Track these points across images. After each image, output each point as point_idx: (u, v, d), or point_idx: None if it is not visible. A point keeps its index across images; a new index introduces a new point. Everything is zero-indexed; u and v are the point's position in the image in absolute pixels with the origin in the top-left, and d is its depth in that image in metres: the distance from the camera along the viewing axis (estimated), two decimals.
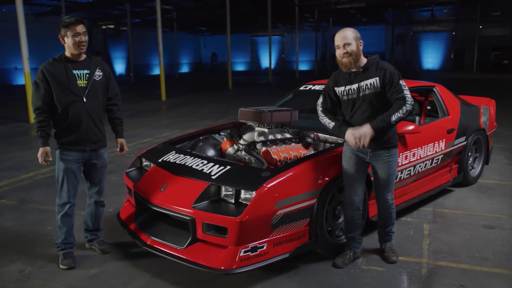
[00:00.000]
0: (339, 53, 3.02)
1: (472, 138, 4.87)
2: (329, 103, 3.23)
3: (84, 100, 3.21)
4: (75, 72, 3.20)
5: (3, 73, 24.16)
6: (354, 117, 3.10)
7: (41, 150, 3.18)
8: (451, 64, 35.24)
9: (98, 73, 3.30)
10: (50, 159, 3.22)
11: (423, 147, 4.07)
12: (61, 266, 3.26)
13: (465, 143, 4.74)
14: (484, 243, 3.61)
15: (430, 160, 4.22)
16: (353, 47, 2.98)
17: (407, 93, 2.96)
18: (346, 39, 2.98)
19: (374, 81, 3.01)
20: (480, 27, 30.91)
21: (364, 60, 3.07)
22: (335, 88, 3.17)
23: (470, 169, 5.07)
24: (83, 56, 3.27)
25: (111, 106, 3.46)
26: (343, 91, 3.12)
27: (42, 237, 3.81)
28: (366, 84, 3.02)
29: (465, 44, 33.61)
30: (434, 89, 4.72)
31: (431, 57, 36.58)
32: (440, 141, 4.32)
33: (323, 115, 3.23)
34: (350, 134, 2.99)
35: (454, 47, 35.24)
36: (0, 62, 23.88)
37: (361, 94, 3.05)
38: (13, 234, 3.91)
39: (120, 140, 3.53)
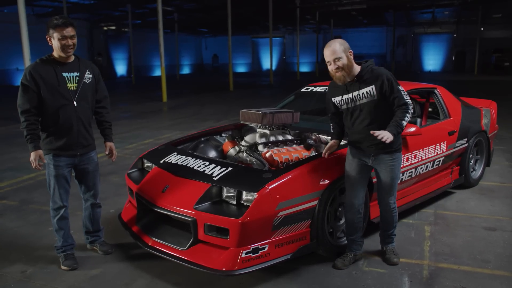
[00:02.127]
0: (331, 68, 3.00)
1: (473, 140, 4.87)
2: (332, 111, 3.29)
3: (75, 104, 3.11)
4: (64, 74, 3.09)
5: (4, 74, 24.22)
6: (355, 126, 3.11)
7: (33, 154, 3.08)
8: (452, 66, 35.26)
9: (88, 76, 3.20)
10: (45, 161, 3.16)
11: (424, 149, 4.07)
12: (63, 267, 3.26)
13: (466, 145, 4.74)
14: (485, 245, 3.61)
15: (432, 162, 4.22)
16: (343, 61, 2.95)
17: (407, 98, 2.99)
18: (336, 53, 2.94)
19: (370, 89, 3.00)
20: (481, 29, 30.93)
21: (357, 69, 3.04)
22: (333, 99, 3.19)
23: (472, 171, 5.07)
24: (72, 58, 3.16)
25: (100, 109, 3.37)
26: (340, 100, 3.14)
27: (43, 238, 3.81)
28: (363, 93, 3.02)
29: (466, 46, 33.62)
30: (436, 91, 4.73)
31: (432, 59, 36.60)
32: (442, 143, 4.32)
33: (330, 120, 3.38)
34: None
35: (455, 49, 35.25)
36: (2, 63, 23.95)
37: (358, 103, 3.05)
38: (14, 235, 3.92)
39: (109, 144, 3.45)
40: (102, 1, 25.74)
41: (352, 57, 3.01)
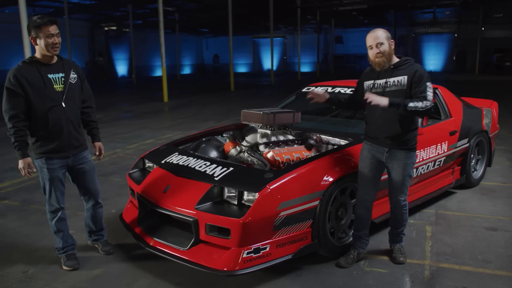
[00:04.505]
0: (372, 53, 3.08)
1: (474, 140, 4.87)
2: (355, 95, 3.35)
3: (63, 105, 3.07)
4: (50, 76, 3.03)
5: (6, 75, 24.23)
6: (376, 114, 3.13)
7: (21, 162, 3.03)
8: (453, 66, 35.21)
9: (73, 76, 3.16)
10: (34, 170, 3.13)
11: (425, 149, 4.07)
12: (65, 268, 3.26)
13: (467, 145, 4.74)
14: (486, 245, 3.61)
15: (433, 162, 4.22)
16: (385, 47, 3.04)
17: (429, 94, 2.95)
18: (379, 38, 3.04)
19: (402, 78, 3.05)
20: (482, 29, 30.88)
21: (395, 59, 3.12)
22: (364, 82, 3.25)
23: (473, 171, 5.07)
24: (55, 58, 3.10)
25: (86, 108, 3.33)
26: (370, 84, 3.19)
27: (45, 238, 3.81)
28: (393, 81, 3.07)
29: (467, 46, 33.58)
30: (437, 91, 4.72)
31: (433, 59, 36.56)
32: (443, 143, 4.32)
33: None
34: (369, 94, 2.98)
35: (456, 49, 35.21)
36: (3, 64, 23.94)
37: (386, 90, 3.09)
38: (16, 235, 3.92)
39: (98, 144, 3.42)
40: (103, 1, 25.76)
41: (393, 47, 3.08)
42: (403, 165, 3.13)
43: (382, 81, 3.12)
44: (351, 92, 3.50)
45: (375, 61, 3.08)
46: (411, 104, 2.88)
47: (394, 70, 3.09)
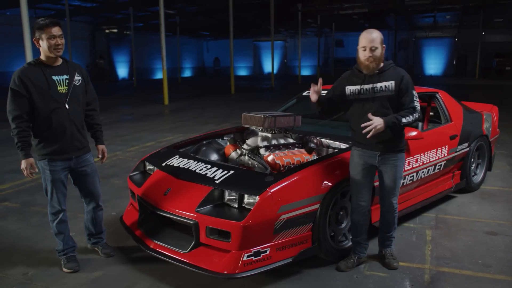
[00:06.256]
0: (364, 55, 2.98)
1: (474, 145, 4.87)
2: (329, 97, 3.25)
3: (67, 106, 3.08)
4: (54, 78, 3.06)
5: (7, 76, 24.20)
6: (364, 118, 3.05)
7: (24, 162, 3.05)
8: (453, 70, 35.24)
9: (77, 78, 3.18)
10: (36, 170, 3.14)
11: (426, 153, 4.08)
12: (65, 270, 3.26)
13: (467, 149, 4.74)
14: (486, 249, 3.61)
15: (433, 166, 4.23)
16: (378, 52, 2.98)
17: (417, 104, 3.02)
18: (374, 42, 2.95)
19: (390, 84, 3.02)
20: (483, 33, 30.92)
21: (381, 63, 3.09)
22: (347, 87, 3.14)
23: (473, 175, 5.07)
24: (60, 60, 3.13)
25: (90, 111, 3.34)
26: (355, 89, 3.09)
27: (45, 240, 3.82)
28: (381, 86, 3.03)
29: (467, 50, 33.61)
30: (437, 95, 4.73)
31: (433, 63, 36.59)
32: (443, 147, 4.32)
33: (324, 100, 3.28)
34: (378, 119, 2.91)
35: (457, 53, 35.25)
36: (5, 66, 24.00)
37: (375, 95, 3.06)
38: (16, 237, 3.92)
39: (101, 147, 3.44)
40: (104, 4, 25.83)
41: (384, 51, 3.03)
42: (395, 167, 3.13)
43: (369, 86, 3.05)
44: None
45: (365, 63, 3.00)
46: (404, 121, 2.94)
47: (380, 75, 3.04)
